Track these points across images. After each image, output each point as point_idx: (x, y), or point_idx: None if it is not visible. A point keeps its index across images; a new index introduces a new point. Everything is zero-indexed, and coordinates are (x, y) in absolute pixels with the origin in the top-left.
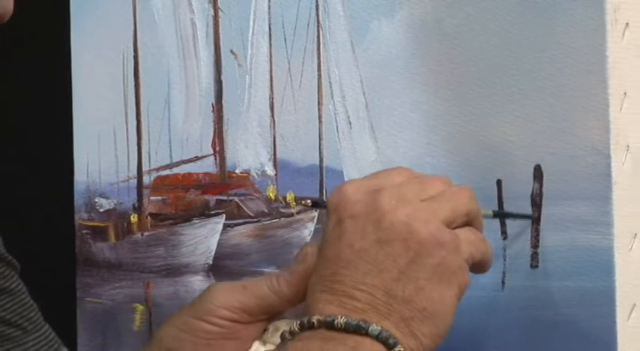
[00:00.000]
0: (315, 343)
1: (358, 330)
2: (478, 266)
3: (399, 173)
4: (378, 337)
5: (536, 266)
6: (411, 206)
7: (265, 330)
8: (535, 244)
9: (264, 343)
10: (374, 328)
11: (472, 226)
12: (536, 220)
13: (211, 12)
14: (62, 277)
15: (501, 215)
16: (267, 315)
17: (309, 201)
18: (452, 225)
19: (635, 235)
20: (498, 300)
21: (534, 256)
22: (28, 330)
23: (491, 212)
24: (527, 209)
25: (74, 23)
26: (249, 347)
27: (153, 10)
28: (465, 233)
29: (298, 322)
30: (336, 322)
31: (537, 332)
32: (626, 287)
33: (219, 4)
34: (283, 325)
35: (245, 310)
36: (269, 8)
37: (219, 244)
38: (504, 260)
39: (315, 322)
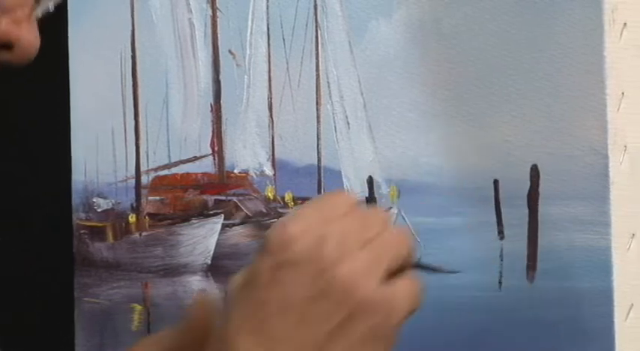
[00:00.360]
0: None
1: None
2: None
3: (342, 206)
4: None
5: (534, 266)
6: (353, 258)
7: None
8: (532, 244)
9: None
10: None
11: (407, 267)
12: (533, 219)
13: (209, 12)
14: (60, 277)
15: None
16: None
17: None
18: (390, 275)
19: (633, 235)
20: (495, 300)
21: (531, 257)
22: None
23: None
24: (524, 209)
25: (72, 23)
26: None
27: (151, 10)
28: (402, 286)
29: None
30: None
31: (535, 332)
32: (624, 287)
33: (217, 4)
34: None
35: None
36: (267, 8)
37: (217, 244)
38: (501, 260)
39: None
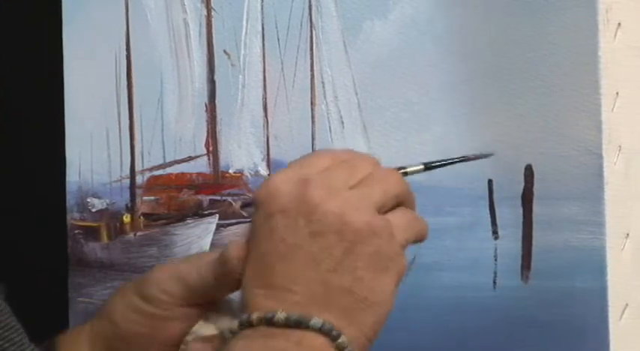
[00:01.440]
0: (257, 342)
1: (299, 324)
2: (415, 242)
3: (325, 157)
4: (320, 330)
5: (528, 266)
6: (341, 195)
7: (209, 312)
8: (527, 244)
9: (207, 323)
10: (315, 321)
11: (404, 206)
12: (527, 219)
13: (204, 12)
14: (54, 277)
15: (433, 167)
16: (206, 300)
17: (239, 202)
18: (383, 209)
19: (627, 234)
20: (490, 300)
21: (526, 256)
22: None
23: (421, 166)
24: (519, 209)
25: (66, 23)
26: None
27: (145, 9)
28: (397, 217)
29: (237, 321)
30: (276, 317)
31: (529, 332)
32: (618, 287)
33: (211, 4)
34: (225, 311)
35: (183, 297)
36: (262, 8)
37: (212, 244)
38: (496, 260)
39: (255, 319)
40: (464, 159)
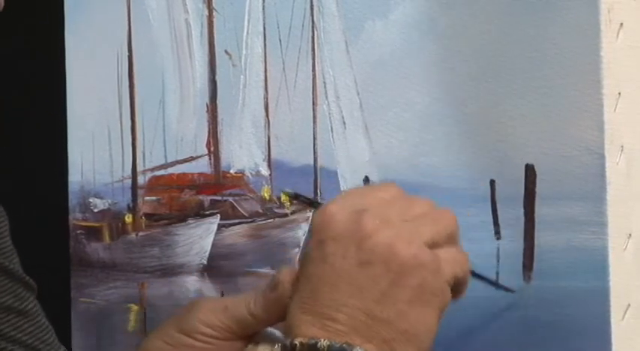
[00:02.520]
0: None
1: None
2: (456, 288)
3: (385, 191)
4: None
5: (530, 266)
6: (393, 227)
7: (250, 344)
8: (529, 244)
9: None
10: (357, 350)
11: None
12: (529, 219)
13: (206, 12)
14: (57, 277)
15: (475, 276)
16: (249, 332)
17: (291, 192)
18: (434, 246)
19: (630, 235)
20: (492, 300)
21: (528, 256)
22: None
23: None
24: (521, 209)
25: (68, 23)
26: None
27: (147, 10)
28: (446, 253)
29: (280, 345)
30: (319, 345)
31: (531, 332)
32: (620, 287)
33: (213, 4)
34: (266, 342)
35: (227, 330)
36: (263, 8)
37: (213, 245)
38: (498, 260)
39: (298, 345)
40: (495, 283)
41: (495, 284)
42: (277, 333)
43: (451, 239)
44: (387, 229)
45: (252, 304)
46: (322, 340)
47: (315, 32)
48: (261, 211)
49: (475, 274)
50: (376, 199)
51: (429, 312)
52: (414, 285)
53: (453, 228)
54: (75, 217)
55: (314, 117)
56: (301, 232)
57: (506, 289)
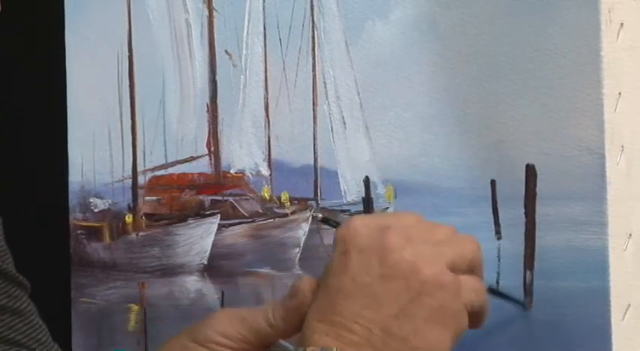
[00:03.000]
0: None
1: None
2: (475, 318)
3: (409, 216)
4: None
5: (531, 266)
6: (417, 246)
7: None
8: (530, 244)
9: None
10: None
11: (474, 275)
12: (530, 220)
13: (206, 12)
14: (57, 277)
15: (493, 293)
16: (266, 343)
17: (319, 215)
18: (456, 270)
19: (630, 235)
20: (492, 300)
21: (528, 257)
22: None
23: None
24: (521, 209)
25: (69, 23)
26: None
27: (147, 10)
28: (467, 280)
29: None
30: None
31: (532, 332)
32: (620, 287)
33: (213, 4)
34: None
35: (243, 340)
36: (263, 8)
37: (214, 245)
38: (499, 261)
39: None
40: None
41: (515, 300)
42: (291, 347)
43: (472, 267)
44: (411, 247)
45: (271, 314)
46: (335, 349)
47: (316, 32)
48: (261, 211)
49: (494, 292)
50: (400, 221)
51: (444, 333)
52: (433, 305)
53: (475, 254)
54: (75, 217)
55: (314, 117)
56: (301, 232)
57: (523, 306)
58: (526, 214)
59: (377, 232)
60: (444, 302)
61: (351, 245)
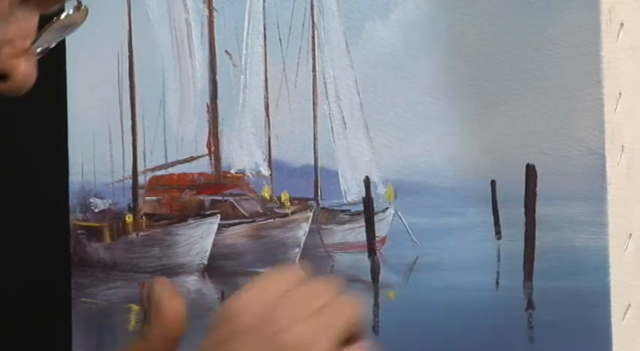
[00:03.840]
0: None
1: None
2: None
3: (290, 277)
4: None
5: (531, 266)
6: (303, 324)
7: None
8: (529, 245)
9: None
10: None
11: (358, 335)
12: (530, 220)
13: (206, 12)
14: (57, 277)
15: None
16: None
17: None
18: (342, 340)
19: (630, 235)
20: (493, 300)
21: (529, 257)
22: None
23: None
24: (521, 209)
25: None
26: None
27: (147, 10)
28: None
29: None
30: None
31: (532, 332)
32: (620, 287)
33: (213, 5)
34: None
35: None
36: (264, 9)
37: (214, 245)
38: (499, 261)
39: None
40: None
41: None
42: None
43: (357, 331)
44: (298, 326)
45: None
46: None
47: (316, 32)
48: (261, 211)
49: None
50: (285, 289)
51: None
52: None
53: (358, 318)
54: (75, 217)
55: (314, 117)
56: (302, 232)
57: None
58: (526, 214)
59: (262, 311)
60: None
61: (236, 328)
